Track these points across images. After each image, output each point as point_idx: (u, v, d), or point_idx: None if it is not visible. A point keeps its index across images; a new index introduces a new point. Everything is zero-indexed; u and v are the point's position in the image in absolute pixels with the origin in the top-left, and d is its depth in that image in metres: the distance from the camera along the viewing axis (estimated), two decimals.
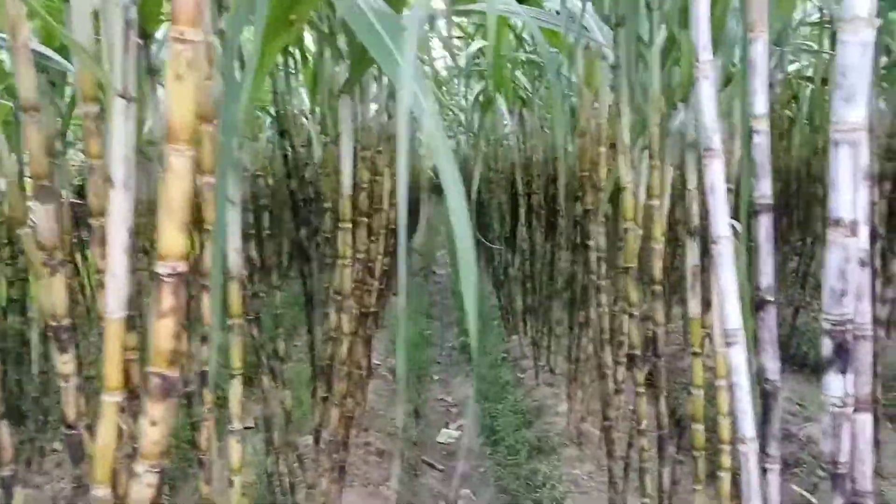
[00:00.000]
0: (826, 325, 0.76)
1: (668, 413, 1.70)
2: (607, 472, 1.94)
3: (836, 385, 0.76)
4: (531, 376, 3.55)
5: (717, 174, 0.88)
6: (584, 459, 2.70)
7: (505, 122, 3.44)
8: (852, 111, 0.67)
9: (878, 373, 2.45)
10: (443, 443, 3.29)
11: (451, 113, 4.97)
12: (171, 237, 0.70)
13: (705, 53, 0.84)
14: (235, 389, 1.39)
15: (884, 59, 2.49)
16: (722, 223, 0.90)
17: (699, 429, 1.47)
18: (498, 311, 4.45)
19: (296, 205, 2.57)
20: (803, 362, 3.52)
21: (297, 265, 2.81)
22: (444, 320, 5.24)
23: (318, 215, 2.51)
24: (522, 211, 3.31)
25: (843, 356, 0.76)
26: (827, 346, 0.76)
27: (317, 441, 1.96)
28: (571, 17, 1.48)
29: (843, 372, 0.76)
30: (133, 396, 1.03)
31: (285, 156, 2.59)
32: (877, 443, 2.38)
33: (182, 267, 0.71)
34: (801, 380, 3.35)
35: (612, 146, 1.82)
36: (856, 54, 0.66)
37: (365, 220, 1.90)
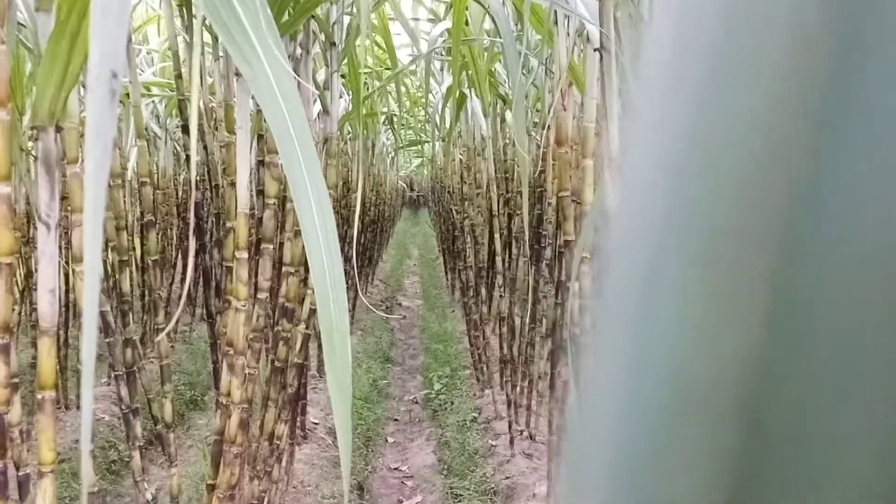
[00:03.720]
0: None
1: None
2: None
3: None
4: (505, 443, 3.22)
5: None
6: None
7: (481, 125, 3.15)
8: None
9: None
10: None
11: (423, 112, 4.68)
12: None
13: None
14: (45, 491, 1.06)
15: None
16: None
17: None
18: (470, 358, 4.12)
19: (200, 223, 2.25)
20: None
21: (204, 300, 2.48)
22: (406, 365, 4.89)
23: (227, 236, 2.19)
24: (498, 236, 3.01)
25: None
26: None
27: None
28: None
29: None
30: None
31: (188, 158, 2.28)
32: None
33: None
34: None
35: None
36: None
37: (270, 246, 1.58)
